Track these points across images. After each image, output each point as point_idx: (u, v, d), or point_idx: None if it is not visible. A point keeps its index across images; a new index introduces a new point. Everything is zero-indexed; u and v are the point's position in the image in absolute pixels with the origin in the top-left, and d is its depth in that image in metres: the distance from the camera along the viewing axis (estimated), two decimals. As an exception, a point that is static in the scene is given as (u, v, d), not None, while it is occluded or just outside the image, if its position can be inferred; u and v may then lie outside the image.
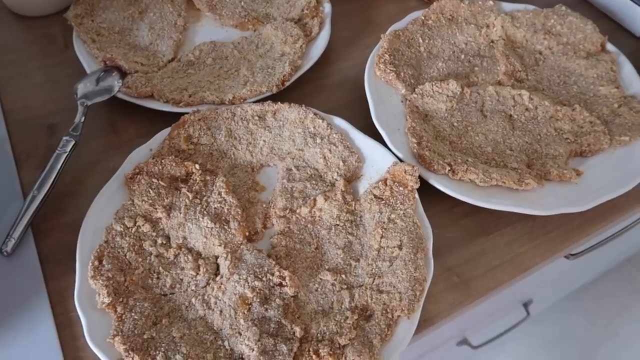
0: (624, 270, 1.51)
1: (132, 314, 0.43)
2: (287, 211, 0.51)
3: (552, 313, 1.41)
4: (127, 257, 0.47)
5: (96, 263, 0.46)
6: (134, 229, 0.48)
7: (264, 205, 0.52)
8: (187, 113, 0.56)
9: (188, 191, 0.50)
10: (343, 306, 0.45)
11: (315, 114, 0.56)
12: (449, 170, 0.52)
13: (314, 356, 0.42)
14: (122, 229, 0.48)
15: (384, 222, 0.49)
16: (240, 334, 0.43)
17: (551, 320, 1.41)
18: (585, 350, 1.37)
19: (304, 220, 0.50)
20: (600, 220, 0.55)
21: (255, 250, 0.47)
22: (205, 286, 0.46)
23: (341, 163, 0.53)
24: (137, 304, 0.44)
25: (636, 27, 0.74)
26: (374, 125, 0.56)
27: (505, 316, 1.06)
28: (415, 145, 0.53)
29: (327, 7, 0.70)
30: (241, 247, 0.48)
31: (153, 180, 0.51)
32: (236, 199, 0.50)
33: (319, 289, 0.46)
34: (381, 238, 0.48)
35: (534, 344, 1.37)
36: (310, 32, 0.67)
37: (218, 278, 0.46)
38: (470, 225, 0.54)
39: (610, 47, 0.66)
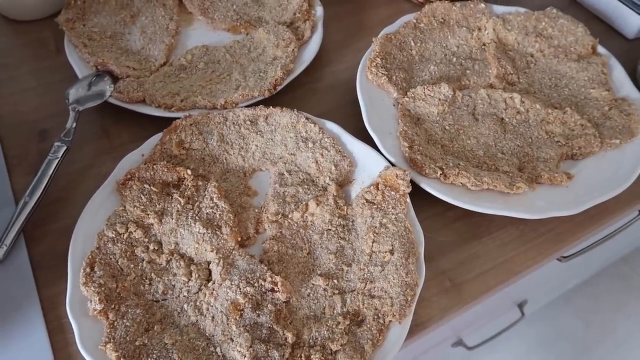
0: (619, 269, 1.52)
1: (124, 321, 0.43)
2: (279, 216, 0.51)
3: (547, 313, 1.41)
4: (119, 263, 0.47)
5: (88, 270, 0.46)
6: (125, 235, 0.48)
7: (256, 210, 0.52)
8: (179, 118, 0.56)
9: (180, 197, 0.50)
10: (335, 311, 0.45)
11: (307, 118, 0.56)
12: (440, 174, 0.52)
13: (305, 362, 0.42)
14: (114, 235, 0.48)
15: (375, 227, 0.49)
16: (232, 340, 0.43)
17: (546, 321, 1.41)
18: (581, 349, 1.38)
19: (296, 225, 0.50)
20: (591, 223, 0.55)
21: (247, 256, 0.47)
22: (197, 292, 0.46)
23: (333, 167, 0.53)
24: (129, 310, 0.44)
25: (627, 29, 0.74)
26: (366, 129, 0.56)
27: (500, 317, 1.06)
28: (406, 149, 0.54)
29: (319, 11, 0.70)
30: (233, 252, 0.48)
31: (145, 185, 0.51)
32: (228, 204, 0.50)
33: (310, 294, 0.46)
34: (373, 243, 0.48)
35: (529, 344, 1.38)
36: (302, 35, 0.67)
37: (210, 284, 0.46)
38: (462, 229, 0.54)
39: (601, 49, 0.67)
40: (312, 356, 0.42)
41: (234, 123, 0.56)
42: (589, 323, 1.42)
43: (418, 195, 0.52)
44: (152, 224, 0.49)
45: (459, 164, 0.53)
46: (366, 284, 0.46)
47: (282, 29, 0.66)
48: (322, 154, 0.54)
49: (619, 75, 0.64)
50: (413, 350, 0.80)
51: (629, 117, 0.58)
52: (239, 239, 0.49)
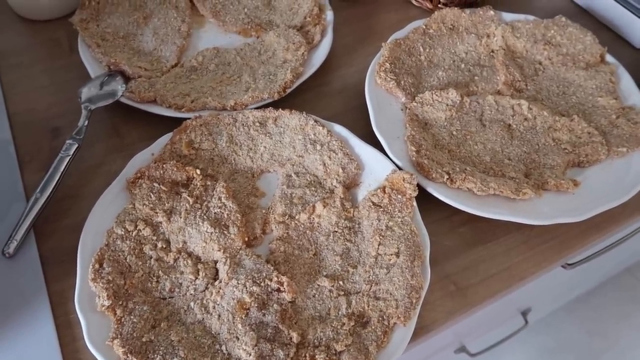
0: (624, 280, 1.51)
1: (131, 317, 0.44)
2: (286, 217, 0.51)
3: (550, 322, 1.41)
4: (128, 260, 0.47)
5: (97, 266, 0.46)
6: (134, 233, 0.49)
7: (264, 211, 0.53)
8: (189, 118, 0.57)
9: (189, 196, 0.51)
10: (340, 312, 0.46)
11: (315, 121, 0.57)
12: (447, 178, 0.52)
13: (310, 362, 0.42)
14: (123, 233, 0.49)
15: (381, 230, 0.49)
16: (238, 339, 0.43)
17: (550, 330, 1.40)
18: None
19: (302, 226, 0.51)
20: (597, 230, 0.56)
21: (254, 256, 0.48)
22: (204, 290, 0.47)
23: (340, 170, 0.54)
24: (137, 307, 0.45)
25: (635, 38, 0.74)
26: (374, 133, 0.57)
27: (503, 324, 1.06)
28: (414, 153, 0.54)
29: (329, 15, 0.71)
30: (240, 252, 0.48)
31: (154, 184, 0.51)
32: (236, 204, 0.51)
33: (316, 295, 0.47)
34: (379, 245, 0.49)
35: (532, 353, 1.37)
36: (312, 39, 0.68)
37: (217, 282, 0.47)
38: (467, 234, 0.54)
39: (609, 58, 0.67)
40: (316, 356, 0.42)
41: (243, 124, 0.57)
42: (592, 333, 1.41)
43: (424, 199, 0.52)
44: (161, 222, 0.50)
45: (465, 169, 0.53)
46: (371, 286, 0.47)
47: (293, 32, 0.67)
48: (329, 157, 0.55)
49: (627, 84, 0.64)
50: (417, 355, 0.80)
51: (637, 126, 0.59)
52: (246, 238, 0.50)
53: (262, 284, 0.46)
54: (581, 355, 1.37)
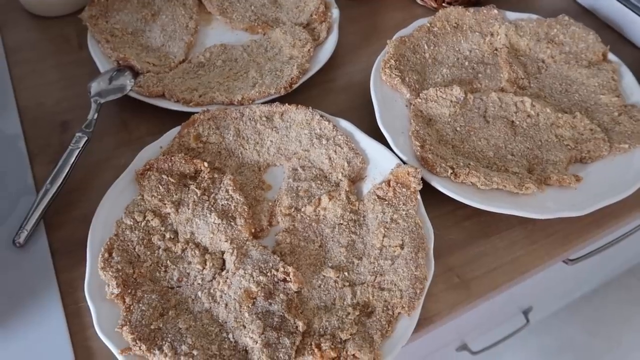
0: (626, 281, 1.51)
1: (140, 305, 0.45)
2: (293, 209, 0.52)
3: (552, 323, 1.41)
4: (136, 250, 0.48)
5: (106, 255, 0.47)
6: (143, 223, 0.50)
7: (270, 204, 0.54)
8: (196, 112, 0.58)
9: (196, 188, 0.52)
10: (345, 302, 0.46)
11: (321, 115, 0.58)
12: (451, 173, 0.53)
13: (315, 350, 0.43)
14: (132, 223, 0.50)
15: (386, 222, 0.50)
16: (245, 327, 0.44)
17: (551, 330, 1.41)
18: (585, 360, 1.37)
19: (308, 218, 0.52)
20: (598, 226, 0.56)
21: (260, 247, 0.49)
22: (211, 280, 0.47)
23: (346, 164, 0.55)
24: (145, 295, 0.45)
25: (638, 37, 0.75)
26: (379, 128, 0.57)
27: (504, 323, 1.07)
28: (418, 148, 0.55)
29: (335, 13, 0.72)
30: (247, 243, 0.49)
31: (163, 176, 0.52)
32: (243, 196, 0.52)
33: (321, 286, 0.48)
34: (383, 237, 0.49)
35: (533, 353, 1.37)
36: (318, 36, 0.69)
37: (224, 272, 0.48)
38: (471, 228, 0.55)
39: (611, 56, 0.67)
40: (322, 344, 0.43)
41: (250, 119, 0.58)
42: (594, 334, 1.41)
43: (428, 193, 0.53)
44: (169, 214, 0.51)
45: (469, 164, 0.54)
46: (376, 277, 0.47)
47: (299, 29, 0.68)
48: (335, 151, 0.55)
49: (629, 82, 0.65)
50: (419, 351, 0.81)
51: (638, 123, 0.59)
52: (253, 230, 0.51)
53: (268, 274, 0.46)
54: (583, 356, 1.37)
